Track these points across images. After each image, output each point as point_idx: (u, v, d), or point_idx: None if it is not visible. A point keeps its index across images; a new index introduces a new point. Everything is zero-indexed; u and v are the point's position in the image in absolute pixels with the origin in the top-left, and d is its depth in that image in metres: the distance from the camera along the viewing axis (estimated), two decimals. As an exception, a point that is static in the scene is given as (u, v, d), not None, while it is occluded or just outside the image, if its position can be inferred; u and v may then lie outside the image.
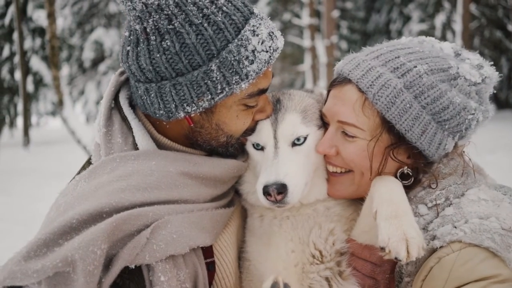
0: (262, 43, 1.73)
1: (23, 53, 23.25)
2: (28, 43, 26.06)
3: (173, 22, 1.64)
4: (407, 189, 1.87)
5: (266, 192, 1.83)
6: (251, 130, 1.97)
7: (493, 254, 1.57)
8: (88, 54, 29.87)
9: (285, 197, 1.83)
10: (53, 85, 17.71)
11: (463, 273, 1.56)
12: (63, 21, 30.21)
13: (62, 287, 1.41)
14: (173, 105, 1.73)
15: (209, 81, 1.68)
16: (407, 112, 1.79)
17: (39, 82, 28.10)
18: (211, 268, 1.82)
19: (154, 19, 1.65)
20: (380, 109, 1.81)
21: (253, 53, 1.71)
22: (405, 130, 1.80)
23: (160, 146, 1.87)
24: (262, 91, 1.85)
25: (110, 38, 29.38)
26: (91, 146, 1.90)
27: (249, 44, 1.70)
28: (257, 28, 1.73)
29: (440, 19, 22.50)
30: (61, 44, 28.47)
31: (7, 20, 25.00)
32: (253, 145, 1.99)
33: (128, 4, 1.67)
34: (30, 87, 26.03)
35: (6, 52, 26.60)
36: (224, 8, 1.69)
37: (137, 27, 1.69)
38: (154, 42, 1.67)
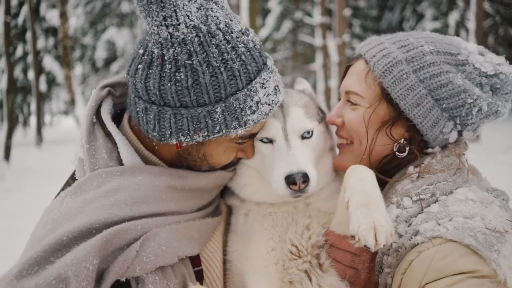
0: (267, 96, 1.79)
1: (36, 53, 23.43)
2: (41, 43, 26.31)
3: (192, 58, 1.67)
4: (392, 175, 1.95)
5: (291, 181, 1.84)
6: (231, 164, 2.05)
7: (473, 250, 1.58)
8: (100, 54, 30.12)
9: (307, 186, 1.86)
10: (65, 84, 17.89)
11: (442, 266, 1.58)
12: (76, 20, 30.50)
13: None
14: (169, 132, 1.75)
15: (210, 120, 1.72)
16: (403, 82, 1.86)
17: (52, 82, 28.38)
18: (199, 276, 1.83)
19: (176, 51, 1.67)
20: (378, 76, 1.89)
21: (257, 104, 1.76)
22: (399, 98, 1.86)
23: (146, 162, 1.88)
24: (253, 135, 1.93)
25: (123, 38, 29.58)
26: (74, 162, 1.90)
27: (256, 95, 1.75)
28: (266, 81, 1.79)
29: (453, 17, 22.31)
30: (74, 43, 28.75)
31: (20, 20, 25.21)
32: (261, 140, 2.00)
33: (153, 28, 1.68)
34: (43, 86, 26.29)
35: (19, 51, 26.85)
36: (243, 57, 1.73)
37: (155, 50, 1.70)
38: (168, 71, 1.69)
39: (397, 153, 1.94)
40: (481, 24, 16.72)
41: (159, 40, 1.68)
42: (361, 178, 1.74)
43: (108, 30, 29.87)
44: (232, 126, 1.74)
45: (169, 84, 1.69)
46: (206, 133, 1.74)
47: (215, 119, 1.72)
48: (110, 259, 1.54)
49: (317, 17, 20.26)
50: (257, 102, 1.76)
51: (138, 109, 1.80)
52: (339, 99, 2.15)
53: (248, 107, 1.74)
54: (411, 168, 1.91)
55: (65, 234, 1.50)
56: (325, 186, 2.07)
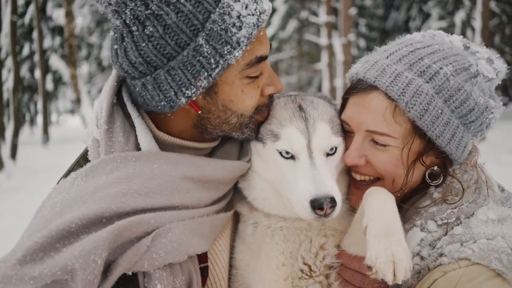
0: (246, 7, 1.64)
1: (43, 52, 23.55)
2: (47, 42, 26.44)
3: (150, 7, 1.58)
4: (418, 195, 1.88)
5: (318, 206, 1.71)
6: (265, 105, 1.91)
7: (498, 273, 1.57)
8: (106, 53, 30.17)
9: (333, 211, 1.74)
10: (71, 83, 17.96)
11: None
12: (82, 20, 30.60)
13: None
14: (173, 93, 1.66)
15: (201, 58, 1.61)
16: (439, 119, 1.77)
17: (58, 81, 28.51)
18: (204, 273, 1.79)
19: (131, 8, 1.60)
20: (413, 117, 1.77)
21: (239, 19, 1.62)
22: (437, 136, 1.78)
23: (161, 144, 1.81)
24: (261, 59, 1.75)
25: (128, 37, 29.62)
26: (88, 141, 1.82)
27: (232, 10, 1.61)
28: None
29: (459, 16, 22.20)
30: (80, 42, 28.84)
31: (26, 19, 25.35)
32: (280, 153, 1.87)
33: (103, 1, 1.63)
34: (49, 85, 26.41)
35: (26, 51, 27.01)
36: None
37: (118, 22, 1.65)
38: (137, 32, 1.62)
39: (430, 181, 1.87)
40: (487, 23, 16.64)
41: (114, 8, 1.62)
42: (382, 204, 1.66)
43: (114, 29, 29.94)
44: (226, 52, 1.62)
45: (144, 45, 1.61)
46: (206, 74, 1.63)
47: (205, 53, 1.60)
48: (119, 252, 1.49)
49: (323, 16, 20.20)
50: (238, 17, 1.62)
51: (138, 90, 1.73)
52: (348, 165, 1.96)
53: (231, 25, 1.61)
54: (432, 188, 1.87)
55: (73, 221, 1.44)
56: (342, 204, 1.91)
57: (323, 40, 20.48)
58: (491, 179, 1.93)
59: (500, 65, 1.90)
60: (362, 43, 27.08)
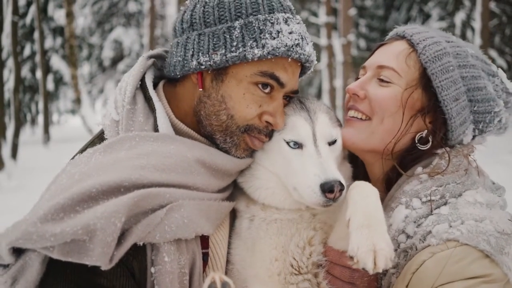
0: (290, 33, 1.83)
1: (44, 52, 23.59)
2: (48, 42, 26.50)
3: None
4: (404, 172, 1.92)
5: (328, 189, 1.78)
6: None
7: (486, 255, 1.60)
8: (107, 53, 30.28)
9: (341, 195, 1.81)
10: (71, 83, 17.99)
11: (456, 270, 1.59)
12: (83, 20, 30.66)
13: (74, 255, 1.40)
14: (190, 53, 1.85)
15: (228, 36, 1.80)
16: (448, 73, 1.87)
17: (59, 81, 28.56)
18: (205, 258, 1.84)
19: None
20: (425, 61, 1.89)
21: (278, 33, 1.80)
22: (442, 88, 1.87)
23: (177, 131, 1.92)
24: (277, 80, 1.86)
25: (129, 37, 29.74)
26: (105, 122, 1.92)
27: (277, 24, 1.81)
28: (291, 21, 1.86)
29: (460, 17, 22.23)
30: (81, 43, 28.89)
31: (28, 20, 25.41)
32: (288, 143, 1.96)
33: None
34: (50, 85, 26.47)
35: (27, 51, 27.05)
36: None
37: None
38: None
39: (418, 144, 1.93)
40: (487, 24, 16.63)
41: None
42: (365, 197, 1.70)
43: (115, 30, 30.03)
44: (249, 45, 1.78)
45: (198, 7, 1.87)
46: (223, 51, 1.79)
47: (233, 35, 1.80)
48: (133, 221, 1.54)
49: (322, 17, 20.23)
50: (278, 32, 1.80)
51: (171, 50, 1.97)
52: (349, 94, 2.10)
53: (268, 32, 1.79)
54: (419, 169, 1.90)
55: (94, 186, 1.49)
56: None
57: (322, 41, 20.50)
58: (483, 172, 1.97)
59: None
60: (362, 43, 27.11)
